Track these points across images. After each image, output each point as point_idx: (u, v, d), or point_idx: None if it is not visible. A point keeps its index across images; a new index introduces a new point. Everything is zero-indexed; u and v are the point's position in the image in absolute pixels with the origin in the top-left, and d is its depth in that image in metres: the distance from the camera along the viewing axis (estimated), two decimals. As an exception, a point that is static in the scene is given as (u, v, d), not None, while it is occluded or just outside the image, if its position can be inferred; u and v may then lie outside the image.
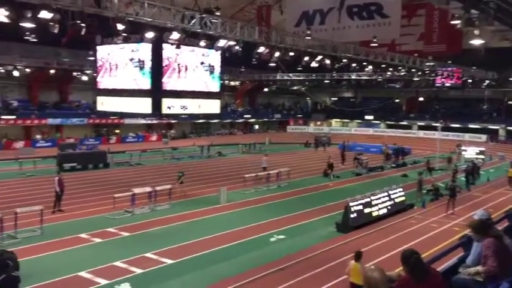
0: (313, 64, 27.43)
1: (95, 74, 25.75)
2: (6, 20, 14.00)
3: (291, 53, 25.38)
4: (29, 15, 15.51)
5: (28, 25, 16.49)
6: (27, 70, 42.94)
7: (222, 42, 20.95)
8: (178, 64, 21.56)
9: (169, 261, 13.49)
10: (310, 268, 12.85)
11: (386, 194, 19.68)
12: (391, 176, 30.98)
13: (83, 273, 12.33)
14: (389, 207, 19.42)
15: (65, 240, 15.42)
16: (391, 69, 38.47)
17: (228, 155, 41.13)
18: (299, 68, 46.05)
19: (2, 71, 41.37)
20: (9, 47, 39.18)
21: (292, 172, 28.50)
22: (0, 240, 14.71)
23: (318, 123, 68.97)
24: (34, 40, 32.08)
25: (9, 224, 15.26)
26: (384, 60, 31.99)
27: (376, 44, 28.78)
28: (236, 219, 18.73)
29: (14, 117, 43.25)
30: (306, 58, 26.57)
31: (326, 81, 60.49)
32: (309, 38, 26.35)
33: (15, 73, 41.94)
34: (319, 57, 27.03)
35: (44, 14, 14.11)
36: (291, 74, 57.62)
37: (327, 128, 65.48)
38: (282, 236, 16.33)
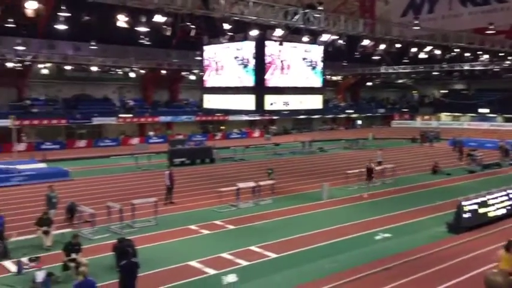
0: (421, 55, 26.10)
1: (201, 73, 26.86)
2: (125, 25, 15.16)
3: (397, 45, 24.38)
4: (144, 19, 16.68)
5: (143, 29, 17.73)
6: (142, 71, 46.33)
7: (325, 37, 20.76)
8: (281, 61, 21.74)
9: (273, 255, 13.69)
10: (420, 269, 12.26)
11: (505, 193, 18.10)
12: (511, 173, 28.45)
13: (193, 263, 12.98)
14: (509, 208, 17.85)
15: (176, 230, 16.34)
16: (510, 57, 35.25)
17: (329, 151, 40.71)
18: (405, 60, 44.11)
19: (120, 72, 45.05)
20: (126, 50, 42.46)
21: (397, 168, 27.40)
22: (120, 229, 15.99)
23: (426, 117, 65.41)
24: (148, 43, 34.52)
25: (127, 214, 16.53)
26: (502, 48, 29.43)
27: (493, 31, 26.54)
28: (339, 216, 18.47)
29: (130, 115, 46.95)
30: (414, 49, 25.38)
31: (435, 73, 57.13)
32: (417, 28, 25.07)
33: (132, 74, 45.54)
34: (428, 48, 25.64)
35: (158, 18, 15.04)
36: (396, 67, 55.38)
37: (435, 123, 61.89)
38: (387, 235, 15.77)
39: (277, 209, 19.46)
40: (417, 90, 67.50)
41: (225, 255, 13.65)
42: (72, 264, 11.60)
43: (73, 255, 11.83)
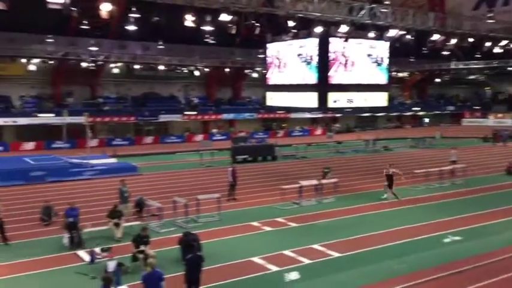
0: (496, 50, 24.67)
1: (264, 71, 26.99)
2: (192, 25, 15.56)
3: (470, 39, 23.21)
4: (209, 19, 17.02)
5: (208, 28, 18.09)
6: (206, 70, 47.34)
7: (392, 32, 20.16)
8: (345, 57, 21.41)
9: (336, 254, 13.51)
10: (493, 274, 11.62)
11: None
12: None
13: (256, 259, 13.08)
14: None
15: (239, 226, 16.54)
16: None
17: (394, 150, 39.55)
18: (478, 55, 41.89)
19: (185, 71, 46.28)
20: (191, 49, 43.57)
21: (469, 169, 26.11)
22: (185, 223, 16.43)
23: (499, 115, 61.87)
24: (212, 42, 35.25)
25: (192, 209, 16.96)
26: None
27: None
28: (405, 217, 17.89)
29: (195, 113, 48.10)
30: (488, 43, 24.03)
31: (510, 68, 53.84)
32: (491, 21, 23.76)
33: (196, 73, 46.69)
34: (504, 42, 24.19)
35: (223, 17, 15.29)
36: (468, 62, 52.75)
37: (510, 121, 58.39)
38: (457, 237, 15.08)
39: (341, 208, 19.18)
40: (490, 86, 63.93)
41: (287, 252, 13.64)
42: (140, 256, 12.07)
43: (142, 247, 12.30)
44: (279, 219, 17.42)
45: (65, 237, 14.23)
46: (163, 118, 46.50)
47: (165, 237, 15.06)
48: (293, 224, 16.91)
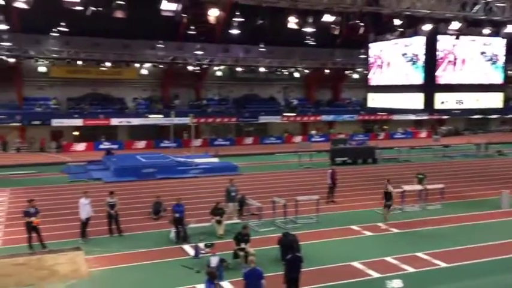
0: None
1: (366, 72, 26.34)
2: (295, 27, 15.66)
3: None
4: (311, 20, 16.98)
5: (309, 30, 18.04)
6: (306, 71, 47.34)
7: (510, 28, 18.56)
8: (455, 56, 20.19)
9: (443, 264, 12.76)
10: None
11: None
12: None
13: (355, 264, 12.80)
14: None
15: (338, 230, 16.29)
16: None
17: (510, 155, 36.39)
18: None
19: (285, 73, 46.66)
20: (291, 51, 43.80)
21: None
22: (284, 224, 16.57)
23: None
24: (312, 43, 35.12)
25: (291, 210, 17.05)
26: None
27: None
28: (522, 228, 16.38)
29: (294, 114, 48.31)
30: None
31: None
32: None
33: (296, 74, 46.88)
34: None
35: (327, 18, 15.17)
36: None
37: None
38: None
39: (447, 215, 18.08)
40: None
41: (389, 259, 13.16)
42: (241, 253, 12.40)
43: (242, 245, 12.63)
44: (380, 225, 16.88)
45: (172, 232, 15.06)
46: (263, 119, 47.32)
47: (264, 236, 15.31)
48: (395, 230, 16.28)
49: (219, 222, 15.60)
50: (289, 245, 11.32)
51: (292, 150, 36.90)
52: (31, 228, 14.07)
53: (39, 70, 39.51)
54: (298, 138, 46.76)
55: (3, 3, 14.53)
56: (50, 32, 35.34)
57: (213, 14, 15.24)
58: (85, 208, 15.20)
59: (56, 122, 39.89)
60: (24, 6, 13.55)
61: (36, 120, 39.26)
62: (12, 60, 37.00)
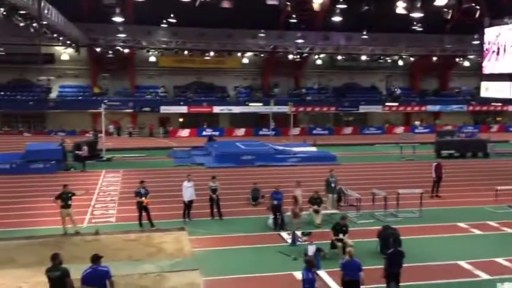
0: None
1: (479, 59, 24.46)
2: (403, 12, 14.95)
3: None
4: (419, 5, 16.09)
5: (417, 15, 17.12)
6: (411, 59, 45.17)
7: None
8: None
9: None
10: None
11: None
12: None
13: (462, 263, 12.03)
14: None
15: (442, 226, 15.42)
16: None
17: None
18: None
19: (389, 61, 44.94)
20: (395, 38, 42.01)
21: None
22: (384, 217, 16.06)
23: None
24: (420, 29, 33.34)
25: (391, 202, 16.46)
26: None
27: None
28: None
29: (396, 104, 46.46)
30: None
31: None
32: None
33: (400, 62, 44.91)
34: None
35: (439, 1, 14.27)
36: None
37: None
38: None
39: None
40: None
41: (500, 260, 12.19)
42: (339, 244, 12.25)
43: (340, 236, 12.46)
44: (491, 223, 15.67)
45: (270, 218, 15.31)
46: (363, 109, 46.12)
47: (363, 228, 14.96)
48: (508, 230, 15.02)
49: (316, 211, 15.55)
50: (389, 239, 10.94)
51: (393, 142, 35.57)
52: (141, 207, 15.11)
53: (150, 60, 42.10)
54: (400, 129, 44.94)
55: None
56: (160, 24, 37.40)
57: (318, 1, 15.04)
58: (188, 191, 15.98)
59: (163, 109, 42.38)
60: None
61: (146, 106, 42.05)
62: (126, 50, 39.82)
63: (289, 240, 13.62)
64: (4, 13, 17.47)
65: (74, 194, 14.64)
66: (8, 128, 40.90)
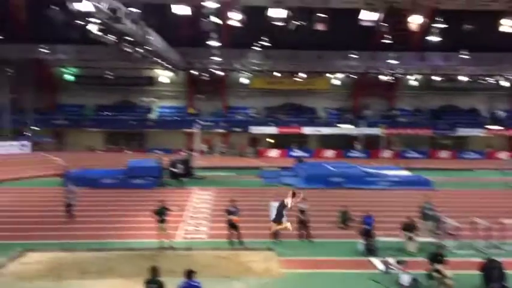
0: None
1: None
2: (509, 30, 14.06)
3: None
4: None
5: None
6: (517, 80, 42.04)
7: None
8: None
9: None
10: None
11: None
12: None
13: None
14: None
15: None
16: None
17: None
18: None
19: (491, 81, 42.13)
20: (500, 57, 39.32)
21: None
22: (485, 248, 14.90)
23: None
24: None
25: (494, 233, 15.23)
26: None
27: None
28: None
29: (500, 127, 43.31)
30: None
31: None
32: None
33: (504, 83, 41.92)
34: None
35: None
36: None
37: None
38: None
39: None
40: None
41: None
42: (436, 275, 11.54)
43: (437, 266, 11.75)
44: None
45: (360, 243, 14.86)
46: (462, 132, 43.60)
47: (462, 259, 13.97)
48: None
49: (410, 238, 14.84)
50: (494, 273, 10.12)
51: (495, 167, 33.09)
52: (231, 225, 15.43)
53: (242, 81, 43.38)
54: (503, 154, 41.69)
55: (219, 22, 16.30)
56: (253, 46, 38.51)
57: (415, 21, 14.60)
58: (274, 211, 16.01)
59: (253, 129, 43.24)
60: (237, 24, 14.99)
61: (237, 127, 43.22)
62: (220, 73, 41.42)
63: (381, 268, 13.10)
64: (116, 40, 19.01)
65: (168, 210, 15.33)
66: (111, 145, 44.11)
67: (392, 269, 12.73)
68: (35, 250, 14.38)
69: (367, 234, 14.68)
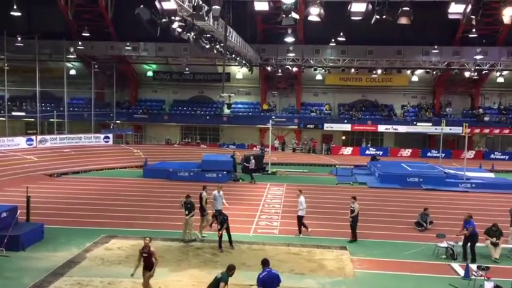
0: None
1: None
2: None
3: None
4: None
5: None
6: None
7: None
8: None
9: None
10: None
11: None
12: None
13: None
14: None
15: None
16: None
17: None
18: None
19: None
20: None
21: None
22: None
23: None
24: None
25: None
26: None
27: None
28: None
29: None
30: None
31: None
32: None
33: None
34: None
35: None
36: None
37: None
38: None
39: None
40: None
41: None
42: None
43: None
44: None
45: (440, 246, 14.16)
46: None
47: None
48: None
49: (495, 244, 13.92)
50: None
51: None
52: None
53: (316, 78, 42.91)
54: None
55: (297, 17, 16.18)
56: (329, 42, 37.92)
57: (509, 13, 13.58)
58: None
59: (327, 126, 42.63)
60: (316, 19, 14.81)
61: (310, 123, 42.82)
62: (295, 69, 41.27)
63: (462, 273, 12.41)
64: (193, 37, 19.49)
65: (193, 205, 15.19)
66: (187, 139, 45.53)
67: (474, 275, 12.01)
68: (118, 237, 15.17)
69: (472, 239, 13.81)
